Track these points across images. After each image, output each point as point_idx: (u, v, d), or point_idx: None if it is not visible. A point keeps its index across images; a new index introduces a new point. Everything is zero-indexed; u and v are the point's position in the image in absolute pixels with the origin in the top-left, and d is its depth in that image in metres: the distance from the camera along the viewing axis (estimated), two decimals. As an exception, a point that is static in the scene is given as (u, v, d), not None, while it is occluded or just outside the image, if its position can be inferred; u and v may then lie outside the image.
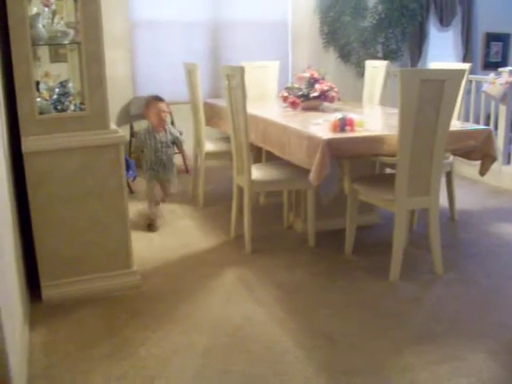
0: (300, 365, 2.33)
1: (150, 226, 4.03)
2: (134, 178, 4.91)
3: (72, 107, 2.92)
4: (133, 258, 3.06)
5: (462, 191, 4.79)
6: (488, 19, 7.24)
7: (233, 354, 2.42)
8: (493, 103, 5.16)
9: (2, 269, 1.94)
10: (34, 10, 2.81)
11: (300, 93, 4.15)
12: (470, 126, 3.78)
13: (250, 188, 3.54)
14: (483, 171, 3.41)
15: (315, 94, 4.10)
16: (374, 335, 2.56)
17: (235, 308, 2.84)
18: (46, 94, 2.92)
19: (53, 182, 2.80)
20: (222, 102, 3.76)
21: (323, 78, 4.21)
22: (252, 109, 3.65)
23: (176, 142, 4.10)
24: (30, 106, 2.74)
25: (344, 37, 6.38)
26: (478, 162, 3.43)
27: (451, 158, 3.95)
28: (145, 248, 3.62)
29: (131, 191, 4.80)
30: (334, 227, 3.81)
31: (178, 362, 2.36)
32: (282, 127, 3.52)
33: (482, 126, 3.71)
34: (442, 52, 7.03)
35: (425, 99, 2.89)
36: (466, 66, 4.04)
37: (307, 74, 4.20)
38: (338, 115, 3.28)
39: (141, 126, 5.93)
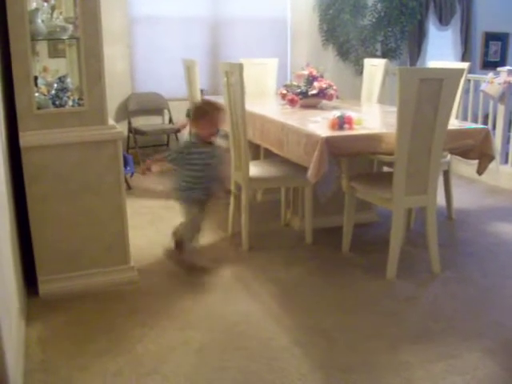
0: (296, 361, 2.34)
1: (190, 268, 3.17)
2: (132, 174, 4.92)
3: (70, 102, 2.93)
4: (130, 253, 3.06)
5: (460, 190, 4.80)
6: (487, 18, 7.26)
7: (229, 350, 2.43)
8: (491, 102, 5.17)
9: (-1, 263, 1.94)
10: (33, 5, 2.81)
11: (298, 90, 4.14)
12: (468, 125, 3.79)
13: (247, 185, 3.54)
14: (481, 170, 3.42)
15: (314, 91, 4.09)
16: (371, 333, 2.57)
17: (232, 305, 2.84)
18: (44, 89, 2.91)
19: (50, 177, 2.80)
20: (221, 99, 3.75)
21: (322, 76, 4.20)
22: (250, 106, 3.65)
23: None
24: (29, 100, 2.73)
25: (343, 35, 6.38)
26: (476, 161, 3.44)
27: (449, 156, 3.96)
28: (142, 244, 3.62)
29: (129, 187, 4.81)
30: (331, 225, 3.81)
31: (175, 359, 2.36)
32: (281, 124, 3.51)
33: (480, 125, 3.71)
34: (441, 51, 7.04)
35: (423, 98, 2.89)
36: (465, 65, 4.04)
37: (306, 72, 4.19)
38: (337, 113, 3.28)
39: (138, 122, 5.96)
